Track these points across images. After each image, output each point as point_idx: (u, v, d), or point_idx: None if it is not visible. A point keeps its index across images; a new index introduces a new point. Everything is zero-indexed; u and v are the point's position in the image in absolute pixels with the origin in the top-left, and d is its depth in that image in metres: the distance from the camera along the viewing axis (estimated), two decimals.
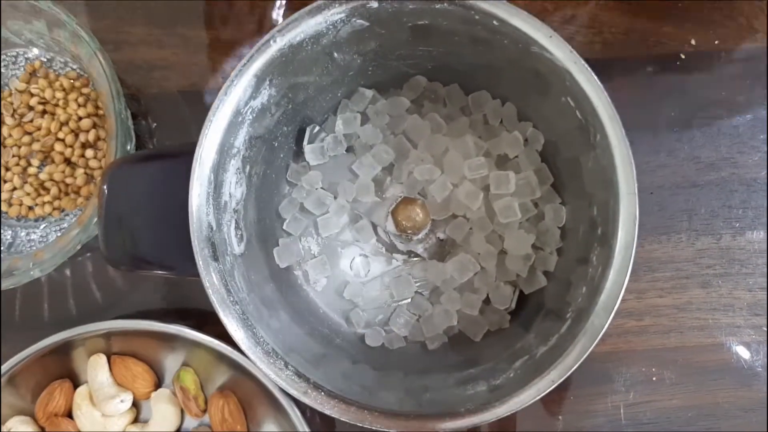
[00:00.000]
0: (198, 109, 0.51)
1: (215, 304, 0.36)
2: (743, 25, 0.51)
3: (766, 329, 0.49)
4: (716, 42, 0.50)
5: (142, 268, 0.41)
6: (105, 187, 0.39)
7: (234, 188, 0.39)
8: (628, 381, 0.49)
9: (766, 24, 0.50)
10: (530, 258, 0.43)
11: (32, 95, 0.50)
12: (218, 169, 0.37)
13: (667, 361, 0.49)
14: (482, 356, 0.41)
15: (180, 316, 0.50)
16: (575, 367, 0.34)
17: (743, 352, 0.49)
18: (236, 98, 0.36)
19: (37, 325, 0.50)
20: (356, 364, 0.41)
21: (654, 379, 0.49)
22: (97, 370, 0.48)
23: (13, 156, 0.50)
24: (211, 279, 0.36)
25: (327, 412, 0.35)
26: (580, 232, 0.40)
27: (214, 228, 0.37)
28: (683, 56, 0.50)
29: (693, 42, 0.50)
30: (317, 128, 0.46)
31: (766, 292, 0.49)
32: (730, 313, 0.49)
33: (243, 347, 0.36)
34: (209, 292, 0.36)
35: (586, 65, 0.35)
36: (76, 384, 0.49)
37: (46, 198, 0.50)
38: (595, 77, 0.34)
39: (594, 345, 0.34)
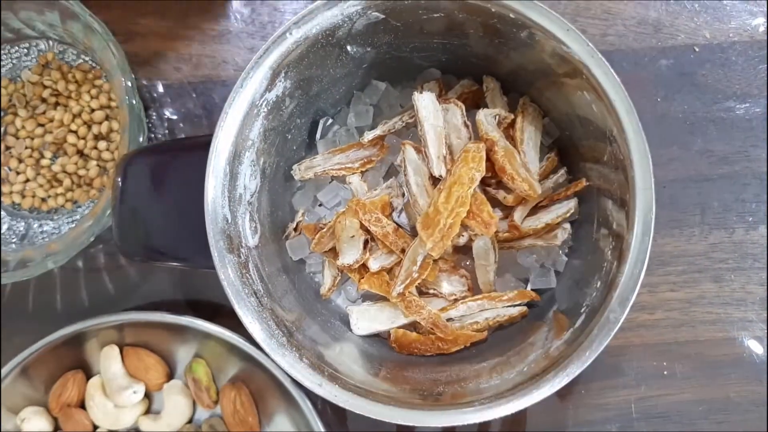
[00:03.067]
0: (209, 101, 0.51)
1: (230, 296, 0.36)
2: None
3: None
4: (730, 35, 0.50)
5: (156, 259, 0.41)
6: (119, 179, 0.39)
7: (248, 180, 0.39)
8: (639, 374, 0.49)
9: (766, 17, 0.50)
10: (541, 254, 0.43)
11: (45, 87, 0.50)
12: (233, 161, 0.37)
13: (678, 355, 0.49)
14: (496, 349, 0.41)
15: (192, 308, 0.50)
16: (590, 362, 0.34)
17: (755, 347, 0.49)
18: (252, 90, 0.36)
19: (50, 316, 0.50)
20: (368, 357, 0.41)
21: (665, 372, 0.49)
22: (109, 361, 0.48)
23: (26, 148, 0.50)
24: (226, 271, 0.36)
25: (341, 404, 0.35)
26: (595, 226, 0.40)
27: (229, 220, 0.37)
28: (697, 49, 0.50)
29: (707, 35, 0.50)
30: (330, 120, 0.46)
31: None
32: (743, 308, 0.49)
33: (258, 339, 0.36)
34: (225, 284, 0.36)
35: (604, 59, 0.34)
36: (88, 375, 0.49)
37: (59, 190, 0.50)
38: (612, 71, 0.34)
39: (609, 339, 0.34)
